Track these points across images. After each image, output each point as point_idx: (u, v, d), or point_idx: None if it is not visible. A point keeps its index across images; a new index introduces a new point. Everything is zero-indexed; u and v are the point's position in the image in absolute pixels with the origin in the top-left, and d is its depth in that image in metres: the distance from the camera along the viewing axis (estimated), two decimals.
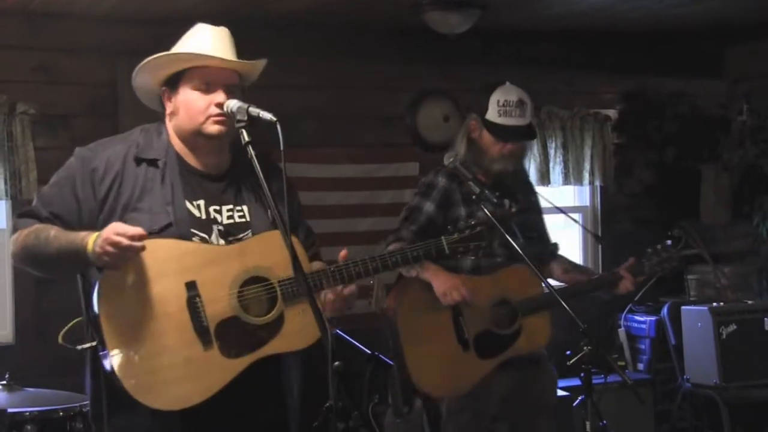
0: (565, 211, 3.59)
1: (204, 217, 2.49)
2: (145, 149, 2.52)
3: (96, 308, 2.32)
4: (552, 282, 3.53)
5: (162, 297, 2.35)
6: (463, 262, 3.45)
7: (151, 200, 2.44)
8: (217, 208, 2.52)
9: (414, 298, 3.44)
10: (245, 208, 2.55)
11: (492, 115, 3.49)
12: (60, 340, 2.37)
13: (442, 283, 3.34)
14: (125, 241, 2.25)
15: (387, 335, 3.66)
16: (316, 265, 2.60)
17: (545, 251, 3.69)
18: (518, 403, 3.61)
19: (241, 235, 2.51)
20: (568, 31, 5.41)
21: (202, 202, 2.50)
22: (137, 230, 2.28)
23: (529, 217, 3.60)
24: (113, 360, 2.30)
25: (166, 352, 2.34)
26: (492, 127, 3.49)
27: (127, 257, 2.29)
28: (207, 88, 2.48)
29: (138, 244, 2.27)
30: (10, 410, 3.70)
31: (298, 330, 2.44)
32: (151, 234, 2.36)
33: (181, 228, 2.44)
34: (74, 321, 2.39)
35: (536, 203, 3.75)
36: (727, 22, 5.30)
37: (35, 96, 4.47)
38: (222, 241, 2.48)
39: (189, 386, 2.34)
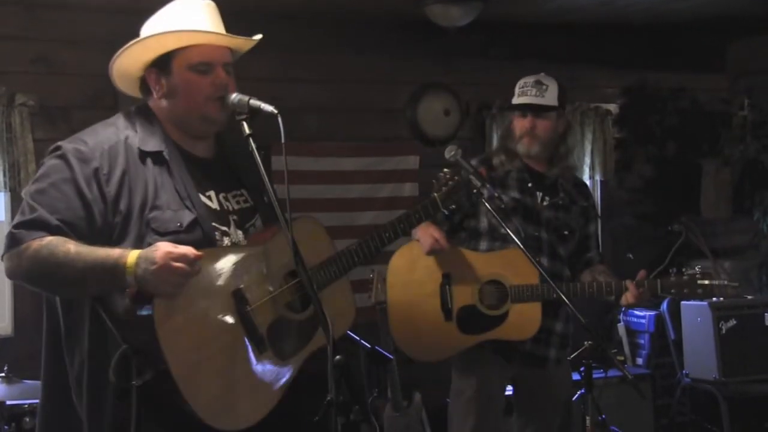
0: None
1: (218, 208, 2.39)
2: (145, 140, 2.33)
3: (155, 336, 2.09)
4: None
5: (214, 312, 2.21)
6: (480, 244, 3.51)
7: (167, 196, 2.28)
8: (225, 195, 2.43)
9: (410, 256, 3.49)
10: (244, 192, 2.48)
11: (514, 99, 3.59)
12: (112, 377, 2.16)
13: (422, 233, 3.40)
14: (187, 269, 2.09)
15: (382, 326, 3.66)
16: None
17: (577, 254, 3.63)
18: (526, 400, 3.62)
19: (252, 221, 2.44)
20: (569, 25, 5.40)
21: (212, 193, 2.40)
22: (192, 252, 2.10)
23: (566, 216, 3.57)
24: (183, 390, 2.11)
25: (228, 371, 2.23)
26: (512, 108, 3.59)
27: (186, 283, 2.12)
28: (206, 69, 2.34)
29: (198, 267, 2.12)
30: (8, 402, 3.70)
31: (336, 316, 2.29)
32: (178, 233, 2.24)
33: (205, 224, 2.31)
34: (119, 352, 2.12)
35: (583, 208, 3.67)
36: (728, 16, 5.29)
37: (34, 87, 4.46)
38: (240, 232, 2.39)
39: (256, 400, 2.27)
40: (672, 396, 5.21)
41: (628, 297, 3.40)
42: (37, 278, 2.17)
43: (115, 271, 2.08)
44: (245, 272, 2.28)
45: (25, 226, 2.16)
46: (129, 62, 2.40)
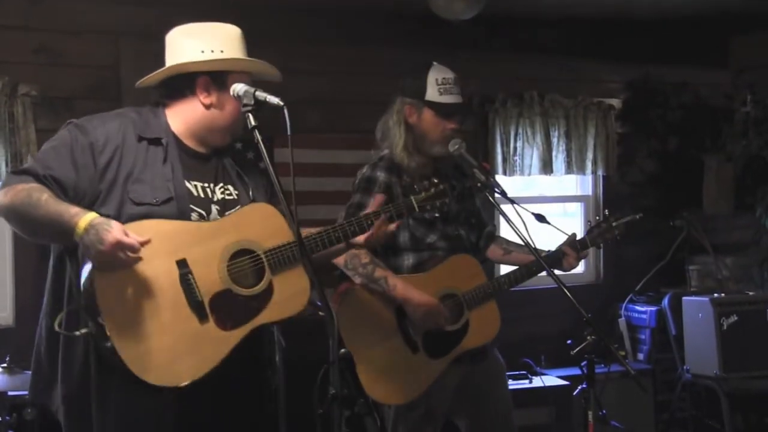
0: (516, 201, 3.39)
1: (202, 196, 2.58)
2: (145, 128, 2.55)
3: (91, 293, 2.33)
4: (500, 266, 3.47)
5: (155, 277, 2.39)
6: (404, 260, 3.36)
7: (153, 174, 2.49)
8: (212, 186, 2.62)
9: (356, 301, 3.28)
10: (231, 187, 2.65)
11: (433, 94, 3.36)
12: (56, 327, 2.34)
13: (419, 306, 3.23)
14: (130, 259, 2.31)
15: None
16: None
17: (482, 236, 3.58)
18: (472, 397, 3.48)
19: (232, 211, 2.60)
20: (573, 19, 5.39)
21: (198, 183, 2.59)
22: (139, 242, 2.31)
23: (466, 203, 3.50)
24: (115, 343, 2.32)
25: (164, 330, 2.38)
26: (435, 106, 3.36)
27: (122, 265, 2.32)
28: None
29: (137, 255, 2.32)
30: (10, 393, 3.70)
31: (287, 298, 2.54)
32: (152, 206, 2.45)
33: (181, 203, 2.51)
34: (69, 307, 2.36)
35: (467, 187, 3.54)
36: (731, 11, 5.28)
37: (37, 77, 4.45)
38: (219, 218, 2.58)
39: (190, 361, 2.39)
40: (673, 391, 5.21)
41: (570, 261, 3.44)
42: (12, 214, 2.41)
43: (65, 226, 2.30)
44: (197, 244, 2.45)
45: (20, 171, 2.47)
46: (188, 59, 2.58)
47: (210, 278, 2.45)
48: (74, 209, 2.34)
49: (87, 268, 2.35)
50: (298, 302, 2.55)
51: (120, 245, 2.27)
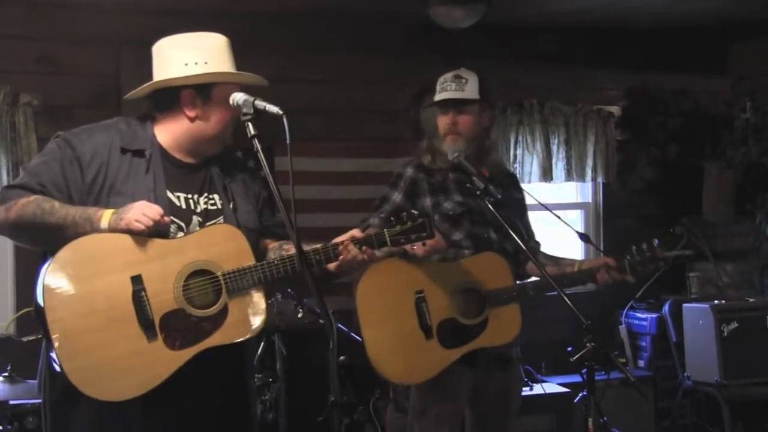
0: (550, 208, 3.46)
1: (184, 206, 2.60)
2: (130, 140, 2.59)
3: (41, 300, 2.36)
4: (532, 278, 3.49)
5: (108, 291, 2.41)
6: (430, 256, 3.32)
7: (135, 186, 2.53)
8: (196, 198, 2.63)
9: (377, 280, 3.28)
10: (216, 196, 2.66)
11: (435, 97, 3.51)
12: (4, 330, 2.38)
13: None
14: (157, 217, 2.42)
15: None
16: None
17: (523, 249, 3.60)
18: (484, 403, 3.48)
19: (214, 222, 2.61)
20: (573, 26, 5.41)
21: (181, 194, 2.61)
22: (160, 210, 2.43)
23: (506, 211, 3.52)
24: (59, 352, 2.35)
25: (111, 345, 2.39)
26: (436, 105, 3.51)
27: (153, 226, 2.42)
28: (230, 104, 2.58)
29: (166, 219, 2.45)
30: (12, 402, 3.71)
31: (240, 321, 2.51)
32: None
33: None
34: (24, 310, 2.39)
35: (518, 200, 3.63)
36: (730, 19, 5.30)
37: (38, 86, 4.48)
38: (198, 229, 2.59)
39: (133, 378, 2.40)
40: (673, 398, 5.21)
41: (605, 276, 3.40)
42: (23, 226, 2.46)
43: (92, 220, 2.42)
44: (155, 261, 2.46)
45: (14, 187, 2.52)
46: (175, 74, 2.59)
47: (164, 296, 2.45)
48: (92, 208, 2.45)
49: (42, 274, 2.37)
50: (251, 326, 2.52)
51: (144, 205, 2.42)
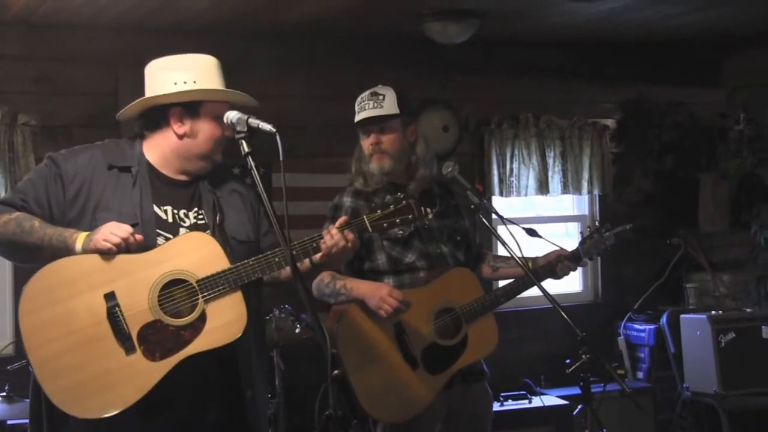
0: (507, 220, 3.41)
1: (171, 220, 2.63)
2: (118, 157, 2.65)
3: (21, 327, 2.45)
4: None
5: (82, 311, 2.46)
6: (383, 281, 3.35)
7: (121, 202, 2.58)
8: (185, 212, 2.66)
9: (352, 321, 3.26)
10: (203, 212, 2.68)
11: (355, 117, 3.42)
12: (1, 351, 2.47)
13: (373, 294, 3.21)
14: (125, 235, 2.46)
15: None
16: None
17: (471, 256, 3.58)
18: (458, 419, 3.43)
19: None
20: (567, 40, 5.44)
21: (169, 208, 2.64)
22: (129, 229, 2.47)
23: (451, 221, 3.48)
24: (38, 376, 2.42)
25: (89, 364, 2.43)
26: (356, 126, 3.42)
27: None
28: (221, 120, 2.62)
29: (137, 237, 2.49)
30: (9, 422, 3.71)
31: (220, 326, 2.51)
32: None
33: (147, 229, 2.56)
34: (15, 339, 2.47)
35: (455, 206, 3.55)
36: (724, 31, 5.33)
37: (37, 106, 4.50)
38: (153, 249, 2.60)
39: (112, 393, 2.43)
40: (673, 409, 5.22)
41: (562, 268, 3.43)
42: (2, 243, 2.56)
43: (67, 244, 2.47)
44: (127, 276, 2.49)
45: (0, 203, 2.60)
46: (162, 92, 2.64)
47: (139, 309, 2.48)
48: (68, 230, 2.51)
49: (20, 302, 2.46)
50: (232, 330, 2.51)
51: (110, 231, 2.46)
